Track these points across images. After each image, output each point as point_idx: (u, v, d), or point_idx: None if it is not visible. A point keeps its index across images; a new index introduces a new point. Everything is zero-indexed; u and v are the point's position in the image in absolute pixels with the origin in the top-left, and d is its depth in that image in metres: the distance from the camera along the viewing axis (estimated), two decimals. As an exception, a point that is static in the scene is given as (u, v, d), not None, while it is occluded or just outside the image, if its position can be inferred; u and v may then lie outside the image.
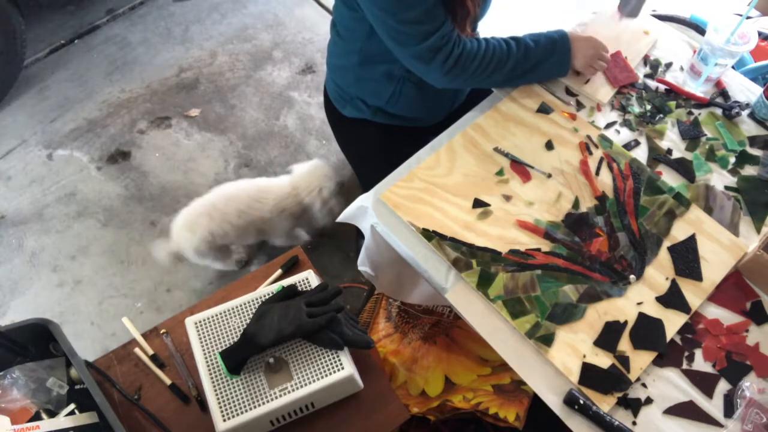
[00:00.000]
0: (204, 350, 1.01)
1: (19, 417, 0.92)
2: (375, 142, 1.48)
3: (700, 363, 1.05)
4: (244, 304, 1.06)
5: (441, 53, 1.17)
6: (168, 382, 1.07)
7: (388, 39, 1.18)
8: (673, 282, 1.11)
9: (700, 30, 1.47)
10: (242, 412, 0.94)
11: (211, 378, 0.98)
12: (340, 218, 1.30)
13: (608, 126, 1.30)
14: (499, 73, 1.24)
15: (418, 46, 1.15)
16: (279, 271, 1.18)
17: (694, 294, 1.10)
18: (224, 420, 0.94)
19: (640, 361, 1.03)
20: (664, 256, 1.14)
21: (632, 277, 1.11)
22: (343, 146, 1.58)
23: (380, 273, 1.32)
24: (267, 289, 1.08)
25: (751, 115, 1.32)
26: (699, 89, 1.35)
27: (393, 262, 1.22)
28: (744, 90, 1.37)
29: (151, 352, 1.09)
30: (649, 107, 1.33)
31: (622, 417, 0.99)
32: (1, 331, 0.94)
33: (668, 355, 1.05)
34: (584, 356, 1.04)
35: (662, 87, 1.36)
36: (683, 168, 1.24)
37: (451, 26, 1.17)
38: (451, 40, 1.17)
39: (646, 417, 1.00)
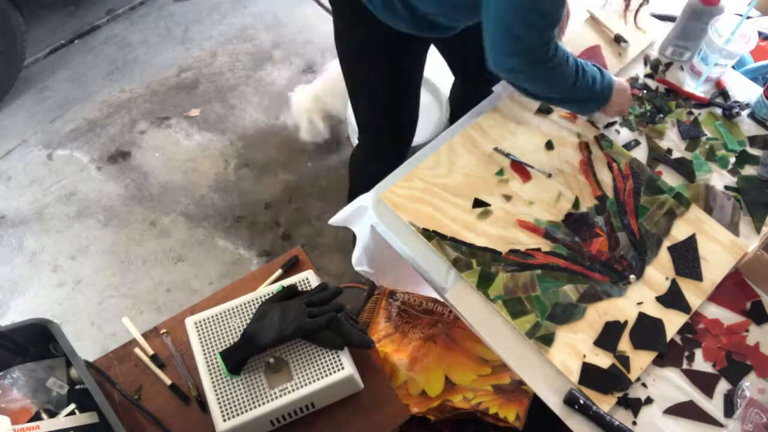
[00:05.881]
0: (204, 350, 1.00)
1: (19, 417, 0.92)
2: (368, 37, 1.29)
3: (700, 363, 1.05)
4: (244, 304, 1.05)
5: (536, 52, 1.03)
6: (168, 382, 1.06)
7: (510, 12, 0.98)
8: (673, 282, 1.11)
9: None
10: (242, 412, 0.94)
11: (211, 378, 0.98)
12: (334, 221, 1.29)
13: (608, 126, 1.30)
14: (556, 89, 1.11)
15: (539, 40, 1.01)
16: (279, 271, 1.18)
17: (694, 294, 1.10)
18: (224, 420, 0.94)
19: (640, 361, 1.03)
20: (664, 256, 1.14)
21: (632, 277, 1.11)
22: (337, 37, 1.37)
23: (381, 270, 1.32)
24: (267, 289, 1.08)
25: (751, 115, 1.32)
26: (699, 89, 1.35)
27: (394, 260, 1.22)
28: (744, 90, 1.36)
29: (151, 352, 1.09)
30: (649, 107, 1.33)
31: (622, 417, 0.99)
32: (1, 331, 0.94)
33: (668, 355, 1.05)
34: (584, 356, 1.04)
35: (662, 87, 1.36)
36: (683, 168, 1.24)
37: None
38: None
39: (646, 417, 1.00)
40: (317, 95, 2.20)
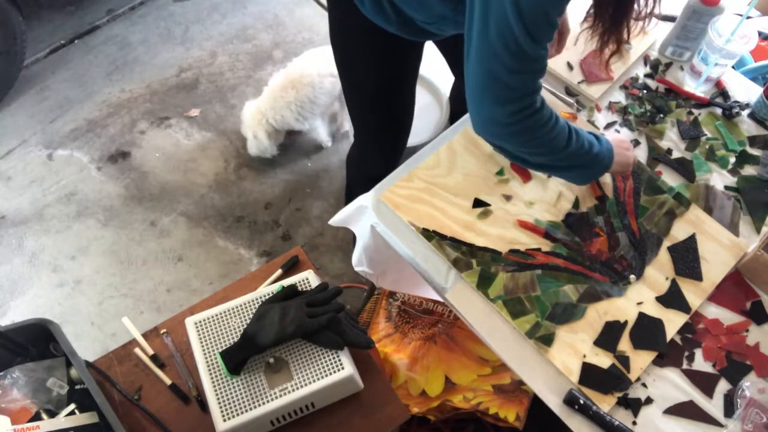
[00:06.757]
0: (204, 350, 1.01)
1: (19, 417, 0.92)
2: (361, 33, 1.27)
3: (700, 363, 1.05)
4: (244, 304, 1.05)
5: (525, 100, 0.93)
6: (168, 382, 1.06)
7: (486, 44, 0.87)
8: (673, 282, 1.11)
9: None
10: (242, 412, 0.94)
11: (211, 378, 0.98)
12: (334, 221, 1.29)
13: (608, 126, 1.30)
14: (547, 148, 1.01)
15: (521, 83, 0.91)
16: (279, 271, 1.18)
17: (694, 294, 1.10)
18: (224, 420, 0.94)
19: (641, 361, 1.03)
20: (664, 256, 1.14)
21: (632, 277, 1.11)
22: (332, 35, 1.41)
23: (381, 271, 1.32)
24: (267, 289, 1.08)
25: (751, 115, 1.32)
26: (699, 89, 1.35)
27: (394, 260, 1.22)
28: (744, 90, 1.36)
29: (151, 352, 1.09)
30: (649, 107, 1.33)
31: (622, 417, 0.99)
32: (1, 331, 0.94)
33: (668, 355, 1.05)
34: (584, 356, 1.04)
35: (662, 87, 1.36)
36: (683, 168, 1.24)
37: None
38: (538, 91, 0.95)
39: (646, 417, 1.00)
40: (260, 109, 2.05)
